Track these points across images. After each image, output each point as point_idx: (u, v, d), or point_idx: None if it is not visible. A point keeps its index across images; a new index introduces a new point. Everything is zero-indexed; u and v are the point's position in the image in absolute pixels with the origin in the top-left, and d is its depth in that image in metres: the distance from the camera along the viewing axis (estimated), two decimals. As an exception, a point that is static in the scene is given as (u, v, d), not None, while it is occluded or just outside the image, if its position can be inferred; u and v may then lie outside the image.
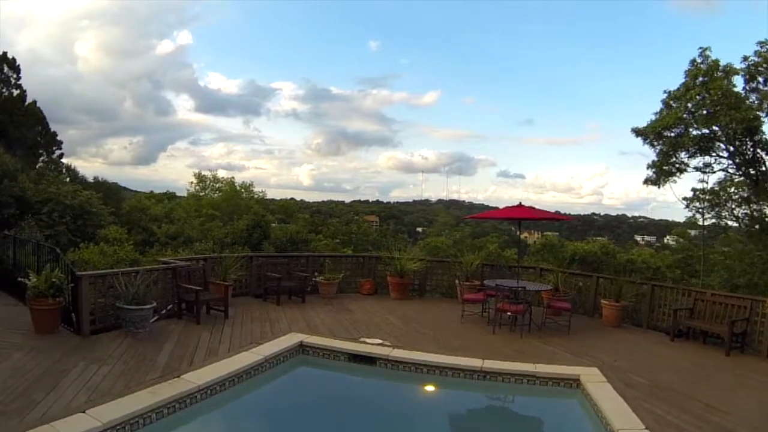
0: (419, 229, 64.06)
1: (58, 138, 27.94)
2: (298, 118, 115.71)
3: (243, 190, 35.76)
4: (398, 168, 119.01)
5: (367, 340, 7.66)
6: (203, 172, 37.06)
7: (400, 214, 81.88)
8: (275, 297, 10.31)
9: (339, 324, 8.89)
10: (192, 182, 36.54)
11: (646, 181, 14.04)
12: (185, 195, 36.28)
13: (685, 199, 15.37)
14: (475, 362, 6.86)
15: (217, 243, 14.34)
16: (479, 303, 9.80)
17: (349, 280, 12.09)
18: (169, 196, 35.07)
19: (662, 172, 13.91)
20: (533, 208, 9.57)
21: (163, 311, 8.72)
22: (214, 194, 35.60)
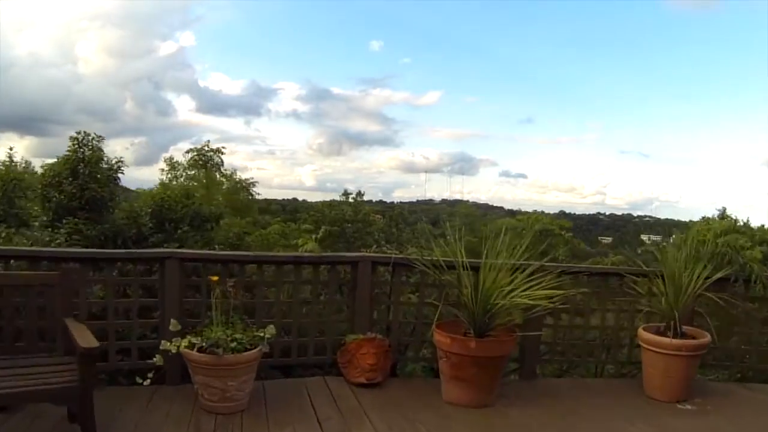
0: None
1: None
2: (299, 119, 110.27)
3: (225, 180, 27.86)
4: (400, 168, 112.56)
5: None
6: (175, 158, 28.92)
7: (403, 214, 76.12)
8: None
9: None
10: (163, 169, 28.22)
11: None
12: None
13: None
14: None
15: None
16: None
17: (311, 340, 3.80)
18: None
19: None
20: None
21: None
22: (189, 183, 27.57)
